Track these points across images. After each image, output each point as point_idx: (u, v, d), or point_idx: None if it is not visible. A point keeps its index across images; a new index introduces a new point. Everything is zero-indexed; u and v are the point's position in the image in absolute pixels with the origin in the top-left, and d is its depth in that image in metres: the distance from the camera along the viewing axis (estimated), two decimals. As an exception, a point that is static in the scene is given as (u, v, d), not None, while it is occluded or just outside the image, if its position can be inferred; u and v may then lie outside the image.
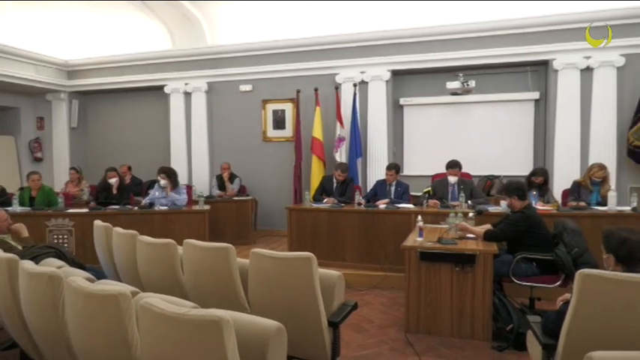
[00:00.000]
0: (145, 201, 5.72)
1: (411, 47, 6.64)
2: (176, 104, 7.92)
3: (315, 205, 5.44)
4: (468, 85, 6.10)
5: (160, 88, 7.96)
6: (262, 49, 7.29)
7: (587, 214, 4.54)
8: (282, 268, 2.46)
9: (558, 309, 2.29)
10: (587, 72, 6.07)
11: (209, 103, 7.81)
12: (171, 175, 5.69)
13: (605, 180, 4.96)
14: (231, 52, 7.47)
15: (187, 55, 7.67)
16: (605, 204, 4.75)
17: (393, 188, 5.58)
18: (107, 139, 8.73)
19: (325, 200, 5.58)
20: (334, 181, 5.82)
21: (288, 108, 7.40)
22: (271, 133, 7.55)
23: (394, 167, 5.60)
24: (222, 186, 6.93)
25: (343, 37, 6.83)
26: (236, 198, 6.79)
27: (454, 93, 6.55)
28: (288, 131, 7.42)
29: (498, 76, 6.73)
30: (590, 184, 5.01)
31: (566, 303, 2.18)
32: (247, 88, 7.56)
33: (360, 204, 5.29)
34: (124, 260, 3.34)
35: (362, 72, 6.91)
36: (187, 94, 7.87)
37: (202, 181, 7.62)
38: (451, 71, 6.65)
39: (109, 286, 2.02)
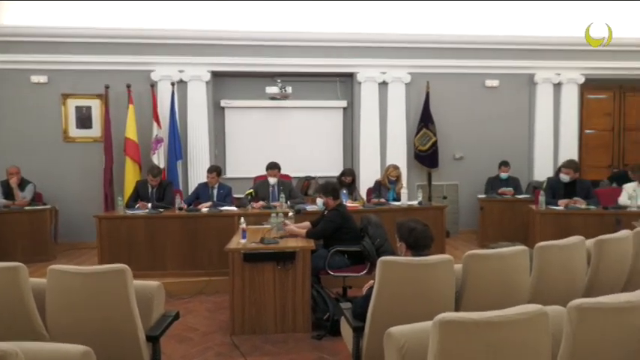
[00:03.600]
0: None
1: (232, 50, 6.65)
2: (-62, 93, 6.32)
3: (130, 212, 5.00)
4: (285, 90, 6.44)
5: None
6: (60, 36, 6.34)
7: (386, 209, 5.24)
8: (90, 284, 2.19)
9: (365, 294, 2.59)
10: (383, 86, 7.02)
11: (-12, 94, 6.45)
12: None
13: (398, 179, 5.81)
14: (18, 35, 6.30)
15: (-46, 34, 6.20)
16: (399, 199, 5.57)
17: (215, 191, 5.51)
18: None
19: (138, 206, 5.17)
20: (150, 185, 5.44)
21: (96, 105, 6.62)
22: (74, 132, 6.63)
23: (215, 170, 5.54)
24: (9, 194, 5.78)
25: (159, 33, 6.43)
26: (29, 208, 5.75)
27: (273, 97, 6.85)
28: (95, 131, 6.63)
29: (313, 84, 7.26)
30: (388, 182, 5.80)
31: (371, 288, 2.47)
32: (41, 79, 6.49)
33: (181, 208, 5.07)
34: None
35: (180, 71, 6.63)
36: (-45, 82, 6.36)
37: (-20, 189, 6.25)
38: (270, 77, 6.90)
39: None
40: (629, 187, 5.17)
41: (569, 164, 5.27)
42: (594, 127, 7.71)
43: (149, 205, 5.21)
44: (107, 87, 6.36)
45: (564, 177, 5.25)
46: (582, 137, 7.60)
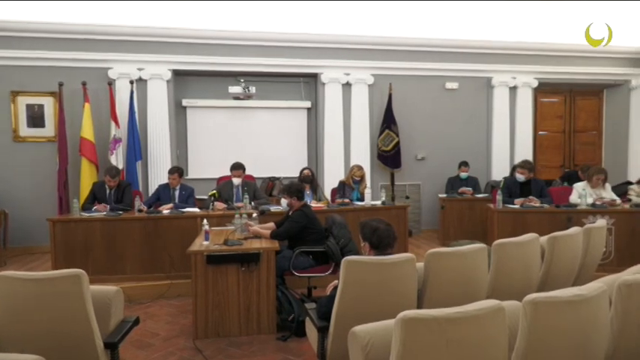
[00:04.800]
0: None
1: (194, 48, 6.52)
2: None
3: (86, 215, 4.81)
4: (249, 90, 6.38)
5: None
6: (10, 30, 6.01)
7: (350, 209, 5.28)
8: (43, 290, 2.09)
9: (329, 294, 2.60)
10: (347, 87, 7.07)
11: None
12: None
13: (362, 179, 5.87)
14: (-36, 29, 5.96)
15: None
16: (363, 199, 5.62)
17: (177, 192, 5.38)
18: None
19: (95, 208, 4.98)
20: (107, 186, 5.25)
21: (48, 103, 6.33)
22: (25, 131, 6.31)
23: (177, 170, 5.41)
24: (-48, 197, 5.46)
25: (117, 29, 6.22)
26: (-25, 211, 5.45)
27: (236, 97, 6.78)
28: (48, 130, 6.34)
29: (277, 84, 7.23)
30: (353, 182, 5.85)
31: (336, 288, 2.48)
32: (-11, 75, 6.16)
33: (140, 210, 4.92)
34: None
35: (140, 69, 6.44)
36: None
37: None
38: (233, 76, 6.81)
39: None
40: (579, 187, 5.43)
41: (524, 164, 5.48)
42: (547, 128, 8.08)
43: (107, 207, 5.03)
44: (61, 84, 6.09)
45: (520, 177, 5.45)
46: (536, 138, 7.95)
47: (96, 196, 5.22)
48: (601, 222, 3.78)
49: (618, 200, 5.27)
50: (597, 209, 5.06)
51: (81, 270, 2.13)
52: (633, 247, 4.92)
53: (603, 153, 8.23)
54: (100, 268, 4.58)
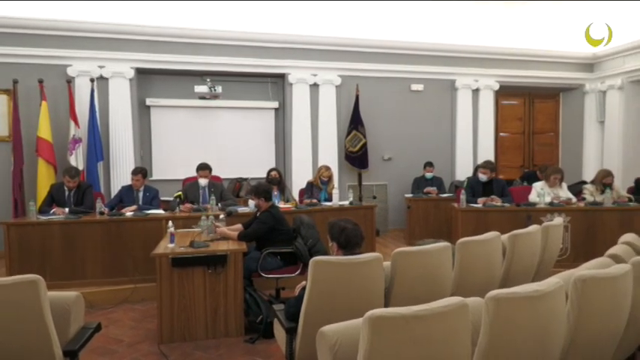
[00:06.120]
0: None
1: (157, 46, 6.38)
2: None
3: (44, 218, 4.61)
4: (215, 90, 6.29)
5: None
6: (-41, 24, 5.73)
7: (318, 209, 5.29)
8: (-4, 298, 1.99)
9: (297, 295, 2.60)
10: (314, 87, 7.09)
11: None
12: None
13: (330, 179, 5.89)
14: None
15: None
16: (331, 200, 5.64)
17: (141, 194, 5.23)
18: None
19: (53, 211, 4.78)
20: (66, 188, 5.05)
21: (2, 101, 6.03)
22: (-23, 130, 6.02)
23: (141, 171, 5.26)
24: None
25: (76, 25, 5.99)
26: None
27: (202, 97, 6.67)
28: (2, 129, 6.04)
29: (244, 85, 7.17)
30: (321, 183, 5.86)
31: (304, 288, 2.48)
32: (-64, 71, 5.82)
33: (102, 213, 4.76)
34: None
35: (100, 66, 6.23)
36: None
37: None
38: (199, 75, 6.70)
39: None
40: (537, 186, 5.64)
41: (486, 165, 5.65)
42: (508, 130, 8.37)
43: (66, 210, 4.83)
44: (15, 81, 5.81)
45: (482, 177, 5.61)
46: (498, 139, 8.21)
47: (54, 198, 5.00)
48: (558, 220, 3.95)
49: (574, 199, 5.51)
50: (554, 207, 5.27)
51: (37, 275, 2.04)
52: (588, 243, 5.16)
53: (560, 154, 8.60)
54: (58, 274, 4.40)
